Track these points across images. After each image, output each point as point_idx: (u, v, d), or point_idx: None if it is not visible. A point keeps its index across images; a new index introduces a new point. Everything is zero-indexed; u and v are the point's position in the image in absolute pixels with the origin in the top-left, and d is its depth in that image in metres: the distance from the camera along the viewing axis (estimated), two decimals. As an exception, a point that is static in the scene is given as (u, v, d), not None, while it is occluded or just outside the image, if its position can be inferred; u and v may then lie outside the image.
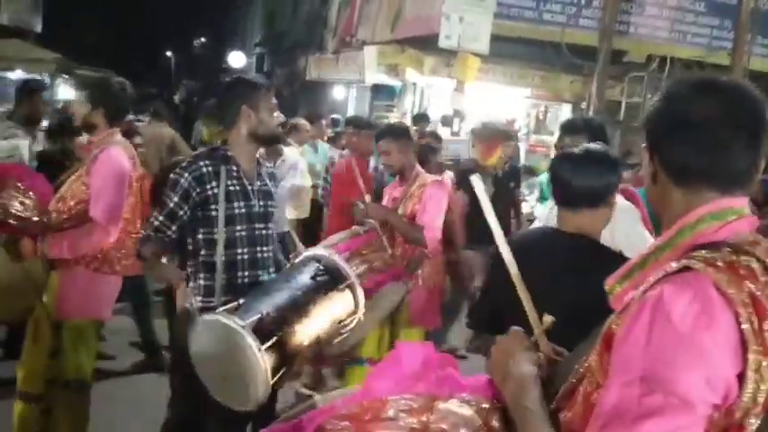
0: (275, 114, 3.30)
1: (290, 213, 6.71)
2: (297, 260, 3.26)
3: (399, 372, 1.71)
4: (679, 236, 1.30)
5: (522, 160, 12.15)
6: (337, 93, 20.06)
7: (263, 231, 3.29)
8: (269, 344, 2.62)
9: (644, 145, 1.41)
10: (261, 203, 3.26)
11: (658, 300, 1.17)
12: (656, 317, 1.15)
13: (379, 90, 18.29)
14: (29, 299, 3.67)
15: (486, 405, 1.54)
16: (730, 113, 1.29)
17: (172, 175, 3.14)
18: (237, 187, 3.16)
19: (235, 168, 3.16)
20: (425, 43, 12.94)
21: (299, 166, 6.47)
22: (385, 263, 3.75)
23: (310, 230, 6.59)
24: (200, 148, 3.94)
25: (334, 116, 13.53)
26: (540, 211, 7.66)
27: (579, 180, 2.43)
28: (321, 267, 3.11)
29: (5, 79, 16.94)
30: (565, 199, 2.50)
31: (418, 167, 4.50)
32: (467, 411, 1.53)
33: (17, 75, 17.09)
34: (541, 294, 2.01)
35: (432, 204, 4.25)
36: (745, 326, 1.13)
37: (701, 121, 1.30)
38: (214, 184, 3.09)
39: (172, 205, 3.07)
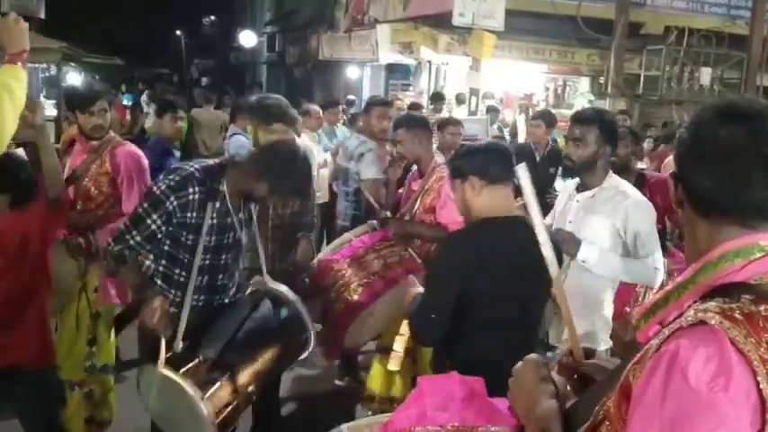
0: (263, 194, 3.10)
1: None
2: (254, 296, 3.28)
3: (423, 403, 1.68)
4: (701, 273, 1.24)
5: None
6: (351, 72, 19.91)
7: (229, 260, 3.19)
8: (211, 391, 2.72)
9: (672, 171, 1.35)
10: (237, 234, 3.15)
11: (674, 357, 1.11)
12: (671, 376, 1.11)
13: (393, 69, 18.19)
14: (76, 292, 3.87)
15: None
16: (758, 143, 1.21)
17: (155, 190, 2.94)
18: (216, 221, 3.02)
19: (219, 205, 3.03)
20: (439, 20, 12.83)
21: (314, 155, 6.45)
22: (401, 258, 3.74)
23: (327, 216, 6.58)
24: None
25: (350, 97, 13.49)
26: (561, 185, 7.59)
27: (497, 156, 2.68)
28: (281, 318, 3.15)
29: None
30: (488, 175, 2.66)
31: (437, 159, 4.37)
32: None
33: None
34: (507, 272, 2.51)
35: (451, 200, 4.21)
36: (763, 385, 1.08)
37: (724, 151, 1.22)
38: (196, 214, 2.96)
39: (153, 227, 2.93)
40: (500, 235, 2.60)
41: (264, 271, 3.35)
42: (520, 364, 1.53)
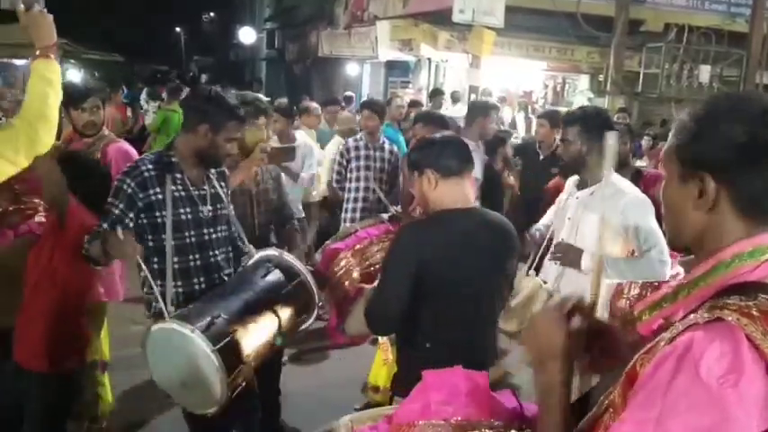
0: (230, 146, 3.15)
1: (312, 197, 6.78)
2: (250, 262, 3.26)
3: (428, 397, 1.70)
4: (714, 272, 1.25)
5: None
6: (350, 69, 19.90)
7: (214, 235, 3.22)
8: (221, 345, 2.63)
9: (700, 173, 1.28)
10: (209, 208, 3.18)
11: (687, 349, 1.12)
12: (682, 366, 1.12)
13: (393, 66, 18.16)
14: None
15: (515, 430, 1.56)
16: None
17: (114, 182, 3.04)
18: (183, 193, 3.08)
19: (179, 175, 3.08)
20: (439, 17, 12.80)
21: (314, 154, 6.45)
22: None
23: (332, 211, 6.60)
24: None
25: (348, 94, 13.46)
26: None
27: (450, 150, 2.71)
28: (272, 266, 3.11)
29: (12, 66, 16.86)
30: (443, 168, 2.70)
31: None
32: None
33: (23, 62, 17.02)
34: (452, 264, 2.55)
35: None
36: None
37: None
38: (158, 189, 3.00)
39: (117, 212, 2.96)
40: (455, 226, 2.63)
41: (245, 243, 3.38)
42: (541, 308, 1.58)
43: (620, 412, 1.22)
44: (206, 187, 3.20)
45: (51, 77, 2.66)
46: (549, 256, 3.66)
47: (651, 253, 3.30)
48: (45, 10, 2.69)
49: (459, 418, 1.60)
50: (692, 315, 1.20)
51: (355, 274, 3.57)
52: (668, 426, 1.10)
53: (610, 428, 1.24)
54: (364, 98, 13.87)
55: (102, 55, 21.18)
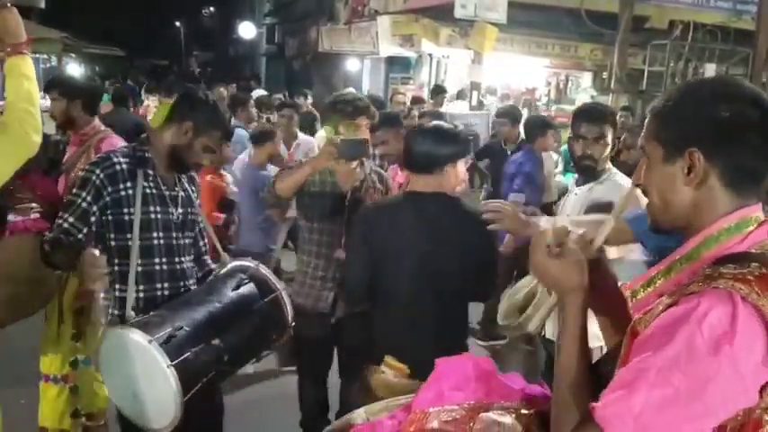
0: (205, 155, 3.01)
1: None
2: (222, 271, 3.11)
3: (441, 385, 1.73)
4: (704, 247, 1.36)
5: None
6: (351, 65, 19.75)
7: (182, 241, 3.06)
8: (179, 360, 2.48)
9: (689, 149, 1.37)
10: (180, 211, 3.03)
11: (691, 310, 1.22)
12: (685, 327, 1.21)
13: (393, 62, 18.04)
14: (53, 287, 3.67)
15: (525, 411, 1.60)
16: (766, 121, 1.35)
17: (81, 173, 2.89)
18: (154, 191, 2.92)
19: (151, 171, 2.92)
20: (441, 12, 12.67)
21: (315, 151, 6.32)
22: None
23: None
24: None
25: (347, 90, 13.30)
26: (564, 181, 7.49)
27: (420, 149, 2.86)
28: (246, 278, 2.96)
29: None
30: (411, 165, 2.92)
31: None
32: (508, 420, 1.58)
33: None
34: (403, 245, 2.76)
35: None
36: None
37: (758, 124, 1.34)
38: (129, 184, 2.84)
39: (84, 205, 2.79)
40: (414, 209, 2.82)
41: (220, 251, 3.23)
42: (535, 236, 1.55)
43: (623, 361, 1.33)
44: (177, 189, 3.04)
45: (31, 75, 2.60)
46: None
47: (634, 255, 3.25)
48: (10, 5, 2.58)
49: (472, 402, 1.67)
50: (688, 285, 1.29)
51: None
52: (669, 376, 1.20)
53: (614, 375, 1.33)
54: (364, 94, 13.75)
55: (102, 49, 21.09)
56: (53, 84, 4.23)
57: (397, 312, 2.85)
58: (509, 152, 6.55)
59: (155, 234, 2.92)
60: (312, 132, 7.72)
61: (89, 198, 2.79)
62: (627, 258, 3.28)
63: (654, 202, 1.46)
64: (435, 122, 2.95)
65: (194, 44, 44.50)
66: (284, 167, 3.84)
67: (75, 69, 17.50)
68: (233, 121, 7.57)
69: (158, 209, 2.92)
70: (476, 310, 6.70)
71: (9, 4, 2.59)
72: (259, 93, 12.56)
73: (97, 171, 2.81)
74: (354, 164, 3.67)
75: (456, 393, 1.70)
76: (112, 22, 34.99)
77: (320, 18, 21.33)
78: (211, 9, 47.39)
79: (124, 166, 2.86)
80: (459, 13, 11.37)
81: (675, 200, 1.40)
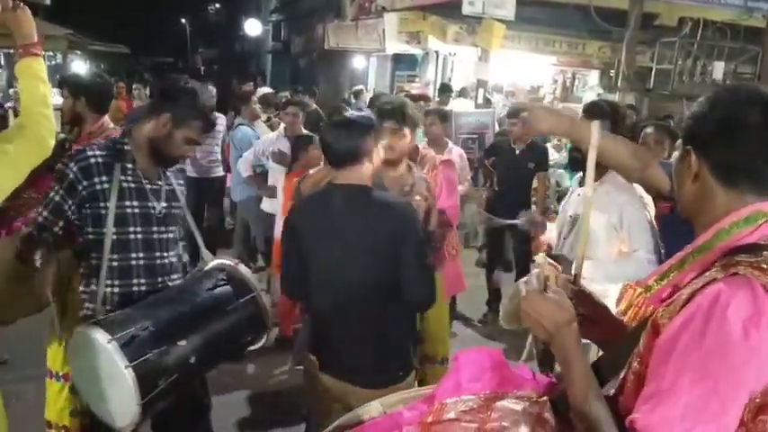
0: (187, 147, 2.95)
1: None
2: (202, 270, 3.06)
3: (459, 376, 1.77)
4: (716, 239, 1.43)
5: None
6: (357, 62, 19.70)
7: (165, 235, 3.00)
8: (138, 362, 2.45)
9: (687, 147, 1.50)
10: (163, 204, 2.98)
11: (715, 299, 1.27)
12: (713, 315, 1.25)
13: (400, 59, 17.95)
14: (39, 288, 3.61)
15: (537, 399, 1.64)
16: None
17: (58, 166, 2.86)
18: (132, 184, 2.87)
19: (130, 165, 2.88)
20: (448, 10, 12.60)
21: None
22: None
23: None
24: None
25: (357, 88, 13.21)
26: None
27: (337, 144, 2.82)
28: (223, 279, 2.91)
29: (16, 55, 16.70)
30: (332, 160, 2.89)
31: (421, 148, 4.55)
32: (522, 407, 1.62)
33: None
34: (326, 236, 2.76)
35: (448, 185, 4.35)
36: None
37: (753, 127, 1.40)
38: (105, 178, 2.81)
39: (57, 199, 2.79)
40: (337, 202, 2.80)
41: (202, 248, 3.19)
42: (524, 284, 1.64)
43: (646, 358, 1.37)
44: (161, 182, 2.99)
45: (44, 77, 2.59)
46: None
47: (639, 253, 3.26)
48: (23, 5, 2.56)
49: (487, 392, 1.70)
50: (706, 273, 1.36)
51: None
52: (706, 371, 1.24)
53: (641, 375, 1.38)
54: (370, 93, 13.67)
55: (107, 46, 21.06)
56: (62, 81, 4.23)
57: (324, 305, 2.85)
58: (518, 151, 6.46)
59: (131, 228, 2.87)
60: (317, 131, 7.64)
61: (62, 192, 2.78)
62: (633, 255, 3.30)
63: (675, 194, 1.60)
64: (343, 116, 2.88)
65: (200, 41, 44.49)
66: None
67: (80, 66, 17.49)
68: (238, 118, 7.53)
69: (136, 203, 2.88)
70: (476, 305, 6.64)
71: (22, 4, 2.57)
72: (264, 90, 12.51)
73: (71, 165, 2.79)
74: (401, 169, 3.68)
75: (473, 384, 1.73)
76: (118, 19, 34.97)
77: (327, 15, 21.23)
78: (217, 6, 47.39)
79: (100, 159, 2.82)
80: (466, 9, 11.31)
81: (684, 193, 1.53)
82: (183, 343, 2.62)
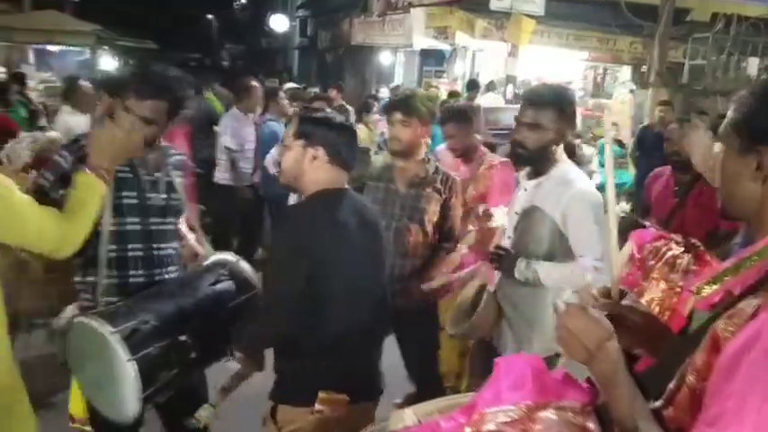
0: (148, 129, 2.79)
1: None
2: (203, 264, 3.03)
3: (499, 385, 1.69)
4: None
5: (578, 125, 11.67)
6: (384, 58, 19.61)
7: (162, 227, 2.96)
8: (140, 355, 2.42)
9: (757, 147, 1.35)
10: (163, 196, 2.94)
11: None
12: None
13: (427, 55, 17.88)
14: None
15: (582, 409, 1.58)
16: None
17: (53, 156, 2.87)
18: (129, 175, 2.83)
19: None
20: (476, 4, 12.52)
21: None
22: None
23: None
24: None
25: (378, 95, 13.06)
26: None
27: None
28: (225, 273, 2.87)
29: (45, 51, 16.92)
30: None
31: (482, 147, 4.51)
32: (565, 418, 1.56)
33: (57, 48, 17.14)
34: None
35: (502, 187, 4.21)
36: None
37: None
38: None
39: (48, 186, 2.76)
40: (347, 209, 2.54)
41: (204, 243, 3.17)
42: (564, 307, 1.52)
43: (705, 374, 1.29)
44: (159, 174, 2.95)
45: (100, 201, 2.49)
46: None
47: (585, 259, 2.89)
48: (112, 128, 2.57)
49: (529, 402, 1.63)
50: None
51: None
52: None
53: (697, 390, 1.30)
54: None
55: (134, 42, 21.18)
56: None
57: (355, 326, 2.53)
58: None
59: (128, 219, 2.84)
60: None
61: (51, 179, 2.76)
62: (578, 262, 2.97)
63: (723, 189, 1.47)
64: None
65: (226, 37, 44.65)
66: None
67: (108, 62, 17.63)
68: (266, 114, 7.47)
69: (132, 193, 2.85)
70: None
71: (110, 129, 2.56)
72: (289, 86, 12.50)
73: (65, 154, 2.81)
74: (412, 160, 3.67)
75: (513, 393, 1.66)
76: (145, 15, 35.20)
77: (353, 10, 21.17)
78: (243, 2, 47.54)
79: None
80: (495, 5, 11.24)
81: (742, 192, 1.41)
82: (184, 338, 2.60)
